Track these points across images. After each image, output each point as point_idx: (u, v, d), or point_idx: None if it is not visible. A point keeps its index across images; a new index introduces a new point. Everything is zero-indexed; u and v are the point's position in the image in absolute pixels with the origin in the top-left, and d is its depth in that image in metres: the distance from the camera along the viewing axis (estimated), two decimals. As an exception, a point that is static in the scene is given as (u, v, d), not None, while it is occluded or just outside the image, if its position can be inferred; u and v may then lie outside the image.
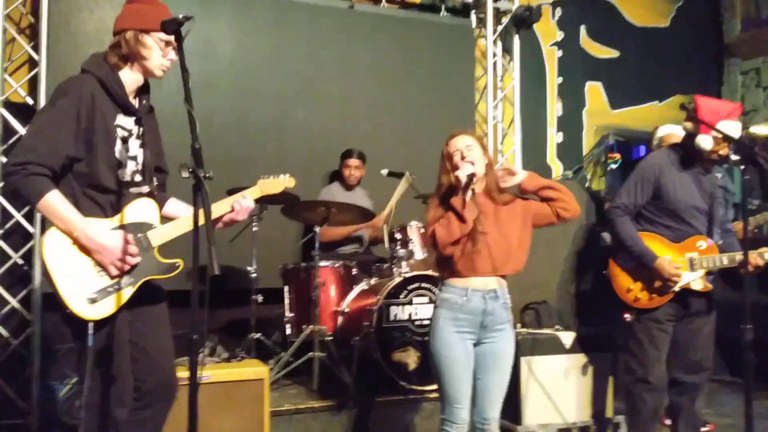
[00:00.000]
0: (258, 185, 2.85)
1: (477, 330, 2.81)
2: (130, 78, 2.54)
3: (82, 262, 2.38)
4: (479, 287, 2.80)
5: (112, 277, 2.40)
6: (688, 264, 3.53)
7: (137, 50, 2.50)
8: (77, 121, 2.39)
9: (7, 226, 4.67)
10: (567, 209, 2.93)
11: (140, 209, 2.53)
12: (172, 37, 2.47)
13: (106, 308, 2.39)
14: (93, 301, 2.36)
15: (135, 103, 2.59)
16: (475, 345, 2.83)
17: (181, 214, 2.68)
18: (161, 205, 2.66)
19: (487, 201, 2.89)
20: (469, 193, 2.76)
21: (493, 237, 2.81)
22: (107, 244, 2.37)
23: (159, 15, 2.46)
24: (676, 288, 3.50)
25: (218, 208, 2.64)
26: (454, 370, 2.78)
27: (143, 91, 2.63)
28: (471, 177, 2.77)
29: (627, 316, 3.61)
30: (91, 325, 2.35)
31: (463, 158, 2.85)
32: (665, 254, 3.53)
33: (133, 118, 2.55)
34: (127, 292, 2.44)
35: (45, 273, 2.36)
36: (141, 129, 2.58)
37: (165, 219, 2.63)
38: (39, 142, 2.34)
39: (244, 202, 2.68)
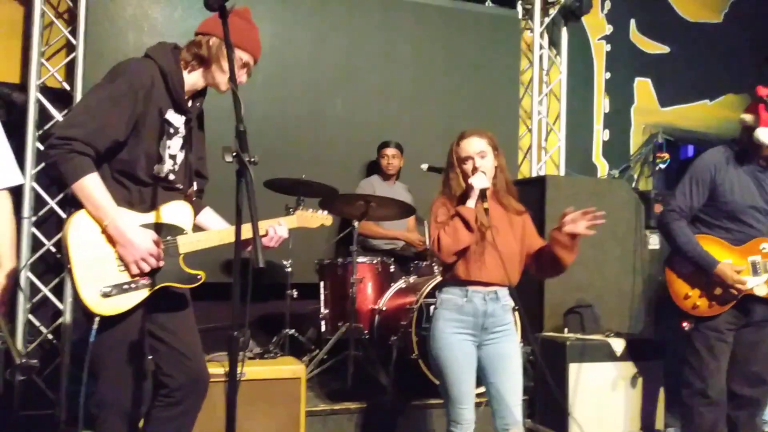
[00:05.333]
0: (296, 216, 2.79)
1: (478, 332, 2.76)
2: (192, 79, 2.46)
3: (105, 253, 2.26)
4: (480, 288, 2.75)
5: (131, 275, 2.28)
6: (750, 268, 3.32)
7: (217, 59, 2.41)
8: (133, 104, 2.28)
9: (41, 213, 4.63)
10: (544, 275, 2.90)
11: (175, 211, 2.43)
12: (251, 59, 2.49)
13: (117, 305, 2.26)
14: (106, 295, 2.23)
15: (189, 103, 2.50)
16: (478, 347, 2.77)
17: (213, 227, 2.60)
18: (197, 212, 2.57)
19: (496, 206, 2.82)
20: (483, 204, 2.73)
21: (502, 244, 2.74)
22: (135, 241, 2.25)
23: (251, 37, 2.48)
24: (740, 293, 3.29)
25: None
26: (455, 371, 2.73)
27: (199, 94, 2.55)
28: (485, 190, 2.73)
29: (685, 324, 3.42)
30: (96, 319, 2.23)
31: (475, 168, 2.78)
32: (726, 258, 3.33)
33: (184, 118, 2.46)
34: (142, 294, 2.31)
35: (64, 253, 2.23)
36: (188, 130, 2.49)
37: (196, 227, 2.54)
38: (89, 120, 2.22)
39: (279, 230, 2.60)
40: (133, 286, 2.29)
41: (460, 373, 2.72)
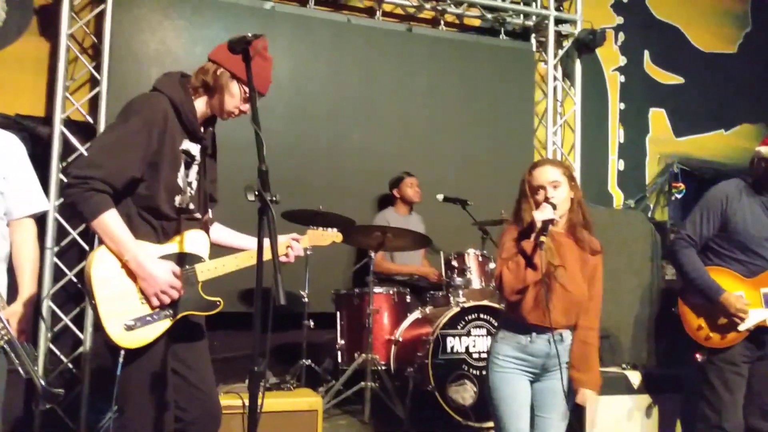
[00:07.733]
0: (307, 235, 2.83)
1: (538, 370, 2.68)
2: (201, 107, 2.49)
3: (127, 287, 2.30)
4: (545, 332, 2.64)
5: (152, 308, 2.32)
6: (762, 300, 3.31)
7: (221, 90, 2.45)
8: (148, 142, 2.32)
9: (63, 243, 4.69)
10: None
11: (192, 240, 2.45)
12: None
13: (141, 337, 2.30)
14: (130, 328, 2.27)
15: (202, 130, 2.53)
16: (532, 382, 2.70)
17: (229, 241, 2.64)
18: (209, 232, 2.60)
19: (570, 242, 2.69)
20: (544, 239, 2.51)
21: (571, 285, 2.63)
22: (155, 274, 2.29)
23: (265, 75, 2.49)
24: (743, 327, 3.28)
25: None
26: (513, 407, 2.64)
27: (211, 120, 2.58)
28: (548, 222, 2.54)
29: (698, 356, 3.40)
30: (121, 352, 2.26)
31: (546, 199, 2.63)
32: (738, 290, 3.33)
33: (199, 146, 2.50)
34: (164, 324, 2.34)
35: (88, 290, 2.28)
36: (204, 157, 2.53)
37: (212, 246, 2.56)
38: (106, 160, 2.26)
39: (296, 248, 2.67)
40: (155, 317, 2.32)
41: (516, 409, 2.64)
